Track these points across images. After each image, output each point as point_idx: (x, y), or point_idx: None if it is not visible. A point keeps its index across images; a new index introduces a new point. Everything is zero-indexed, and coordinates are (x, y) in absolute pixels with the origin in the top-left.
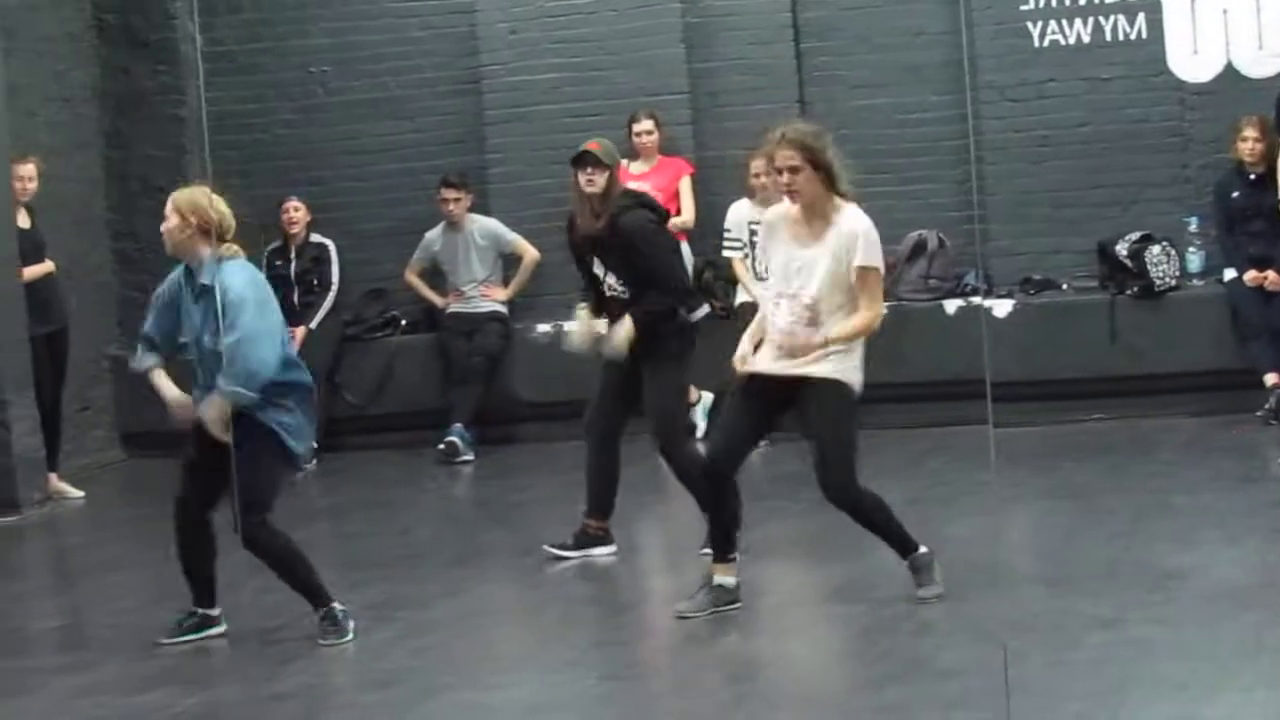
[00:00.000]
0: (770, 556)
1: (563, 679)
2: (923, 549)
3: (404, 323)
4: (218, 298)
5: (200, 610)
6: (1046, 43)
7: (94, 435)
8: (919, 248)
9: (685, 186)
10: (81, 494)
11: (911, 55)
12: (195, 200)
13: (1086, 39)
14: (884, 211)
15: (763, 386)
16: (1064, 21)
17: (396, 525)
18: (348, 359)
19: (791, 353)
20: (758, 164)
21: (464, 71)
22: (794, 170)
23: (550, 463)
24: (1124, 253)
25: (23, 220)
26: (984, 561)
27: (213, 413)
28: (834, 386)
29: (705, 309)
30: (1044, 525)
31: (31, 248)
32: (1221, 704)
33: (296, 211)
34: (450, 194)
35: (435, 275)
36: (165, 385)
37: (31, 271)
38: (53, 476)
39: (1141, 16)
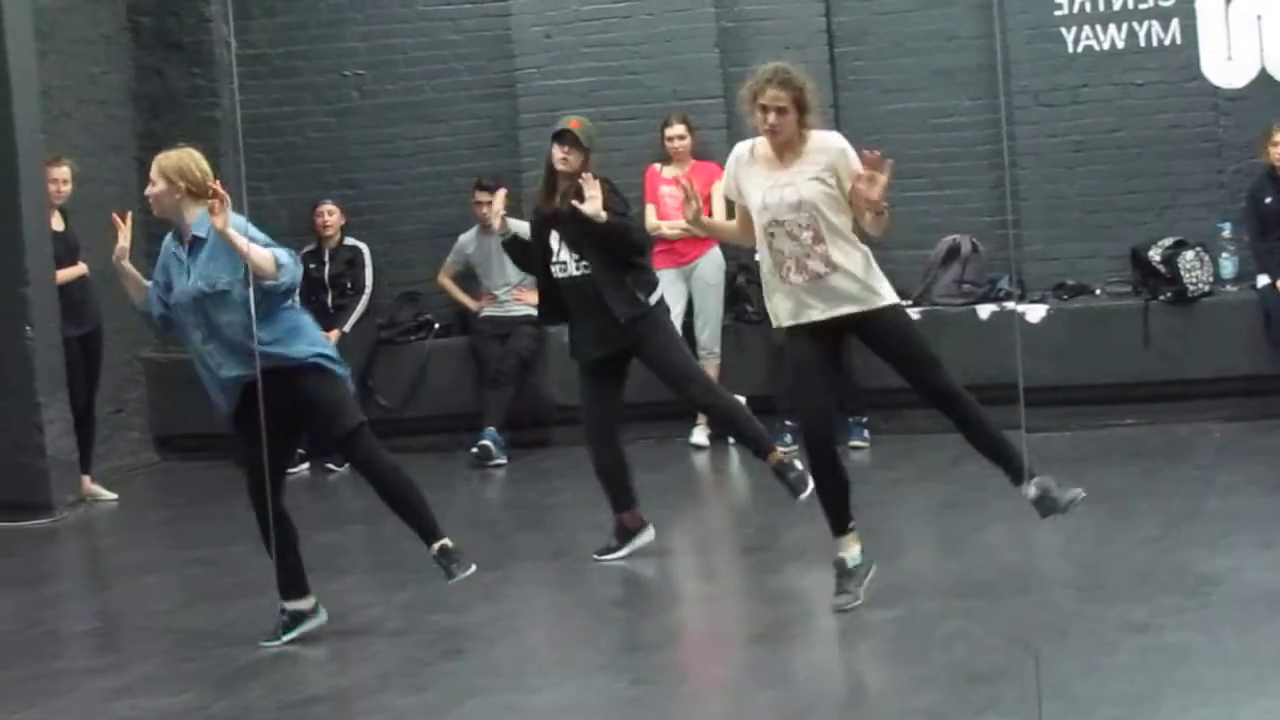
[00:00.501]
0: (803, 560)
1: (596, 683)
2: (1038, 476)
3: (437, 326)
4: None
5: (289, 606)
6: (1080, 48)
7: (127, 437)
8: (952, 252)
9: (717, 191)
10: (115, 496)
11: (945, 60)
12: (182, 165)
13: (1120, 44)
14: (917, 216)
15: (812, 341)
16: (1098, 27)
17: None
18: (381, 362)
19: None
20: None
21: (498, 75)
22: (781, 111)
23: (582, 466)
24: (1157, 258)
25: (56, 223)
26: (1016, 566)
27: (231, 232)
28: (886, 311)
29: (660, 291)
30: (1077, 530)
31: (65, 250)
32: (1258, 708)
33: (330, 215)
34: (484, 197)
35: (468, 279)
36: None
37: (65, 274)
38: (86, 479)
39: (1175, 22)
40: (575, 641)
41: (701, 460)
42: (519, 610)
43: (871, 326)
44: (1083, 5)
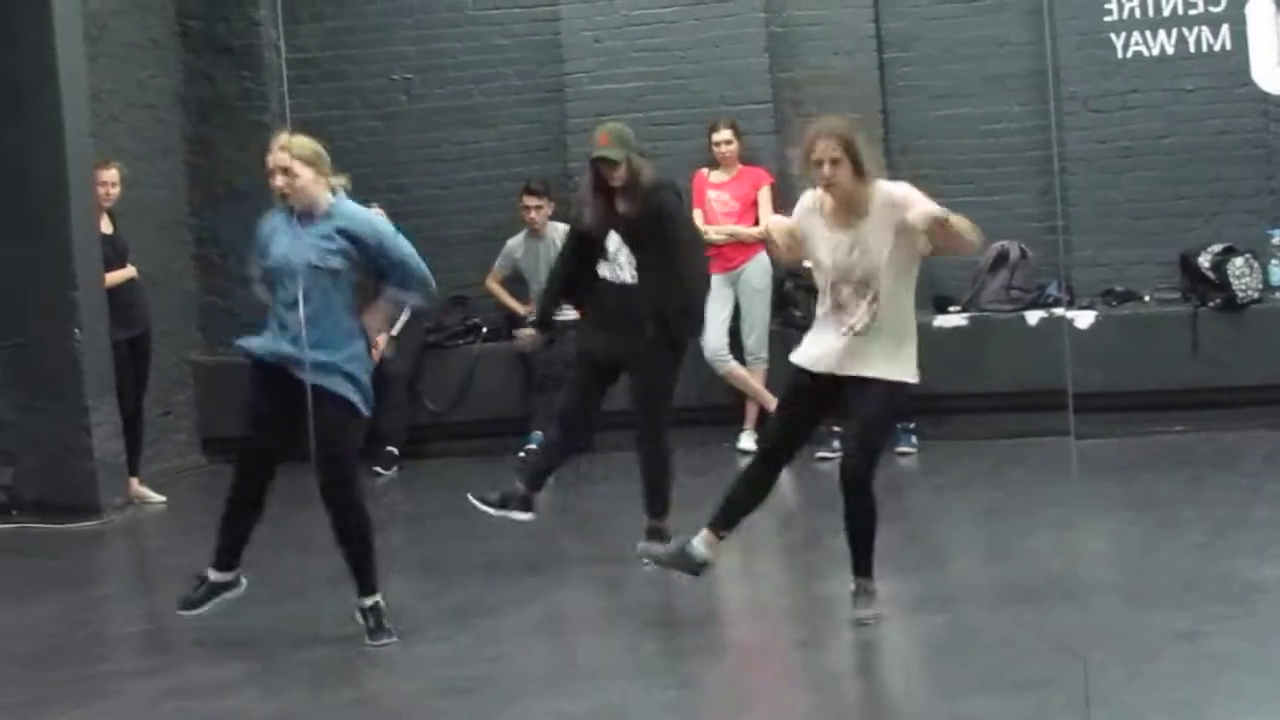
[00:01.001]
0: (848, 567)
1: (639, 687)
2: (876, 581)
3: (485, 330)
4: (352, 227)
5: (213, 577)
6: (1129, 54)
7: (175, 440)
8: (1001, 259)
9: (764, 196)
10: (162, 499)
11: (994, 66)
12: (319, 150)
13: (1170, 50)
14: None
15: (821, 384)
16: (1147, 33)
17: (475, 532)
18: (429, 366)
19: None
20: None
21: (547, 80)
22: (835, 162)
23: (628, 471)
24: (1206, 264)
25: (105, 226)
26: (1063, 573)
27: (381, 317)
28: (895, 385)
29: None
30: (1124, 537)
31: (114, 253)
32: None
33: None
34: (532, 202)
35: (516, 283)
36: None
37: (113, 277)
38: (134, 481)
39: (1225, 28)
40: (619, 646)
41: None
42: (563, 614)
43: (873, 386)
44: (1132, 11)
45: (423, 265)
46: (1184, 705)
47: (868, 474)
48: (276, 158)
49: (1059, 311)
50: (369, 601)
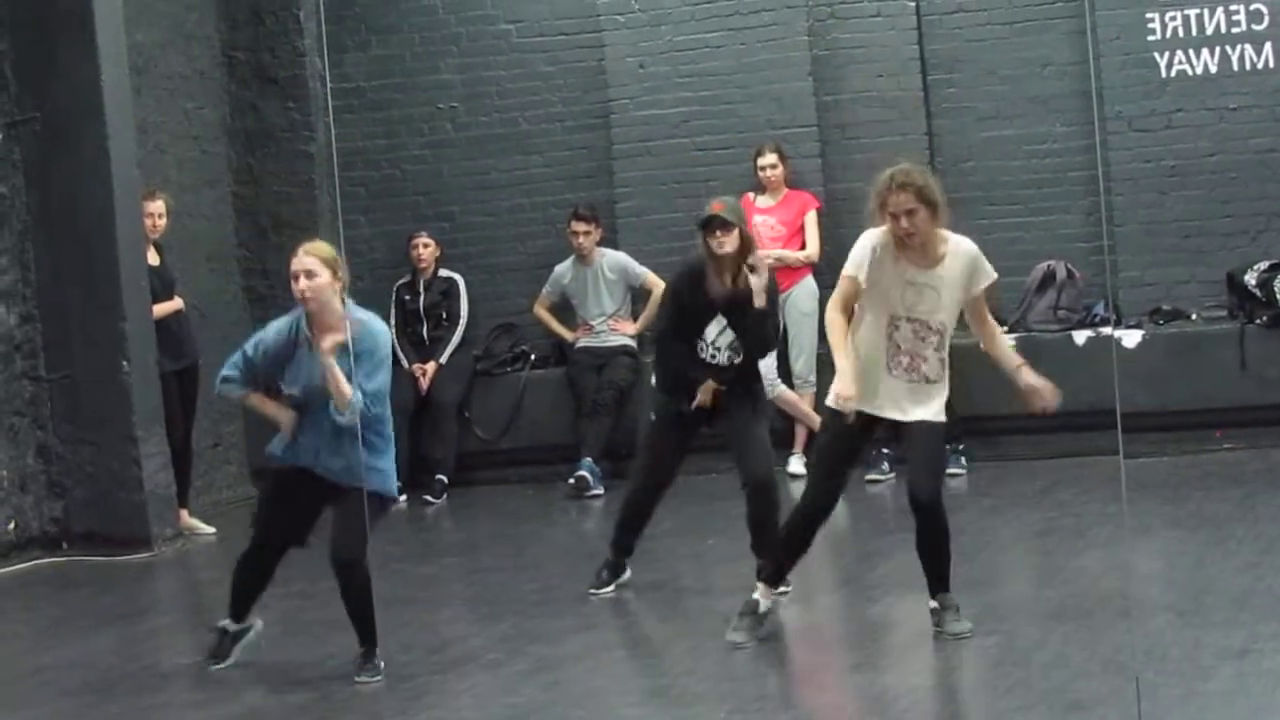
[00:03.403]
0: (901, 589)
1: (694, 712)
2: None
3: (534, 357)
4: (359, 343)
5: (233, 626)
6: (1174, 73)
7: (225, 471)
8: (1048, 279)
9: (811, 220)
10: (213, 530)
11: (1039, 86)
12: (334, 253)
13: (1214, 69)
14: (1012, 243)
15: (863, 426)
16: (1191, 52)
17: (527, 560)
18: (478, 393)
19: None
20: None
21: (593, 106)
22: (911, 214)
23: (680, 497)
24: (1253, 282)
25: (152, 257)
26: (1115, 592)
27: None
28: (940, 425)
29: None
30: (1175, 555)
31: (161, 285)
32: None
33: (425, 248)
34: (580, 228)
35: (565, 309)
36: (270, 405)
37: (161, 309)
38: (184, 512)
39: (1269, 46)
40: (674, 671)
41: (798, 489)
42: (617, 640)
43: (918, 425)
44: (1176, 30)
45: (383, 407)
46: None
47: (939, 497)
48: (301, 261)
49: (1106, 331)
50: (364, 651)
